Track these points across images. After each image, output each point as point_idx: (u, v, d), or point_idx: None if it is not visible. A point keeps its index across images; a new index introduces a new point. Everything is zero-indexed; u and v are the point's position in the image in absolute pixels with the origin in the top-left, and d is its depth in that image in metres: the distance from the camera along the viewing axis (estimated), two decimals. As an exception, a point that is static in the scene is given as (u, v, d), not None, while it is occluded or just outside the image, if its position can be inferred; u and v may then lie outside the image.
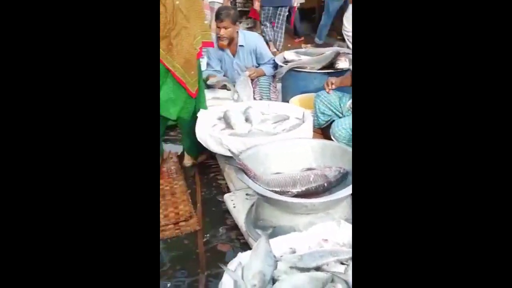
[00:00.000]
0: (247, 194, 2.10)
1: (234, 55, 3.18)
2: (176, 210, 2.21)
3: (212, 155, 2.65)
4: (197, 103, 2.52)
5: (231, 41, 3.09)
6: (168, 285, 1.76)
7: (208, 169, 2.66)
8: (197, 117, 2.48)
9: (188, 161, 2.70)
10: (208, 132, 2.24)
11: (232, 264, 1.42)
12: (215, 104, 2.83)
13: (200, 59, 2.58)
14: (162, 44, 2.27)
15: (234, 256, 1.50)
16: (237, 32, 3.10)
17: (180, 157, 2.78)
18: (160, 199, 2.31)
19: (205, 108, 2.60)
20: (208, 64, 3.16)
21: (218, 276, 1.74)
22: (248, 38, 3.16)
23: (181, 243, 2.00)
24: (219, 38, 3.06)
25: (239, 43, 3.11)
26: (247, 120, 2.35)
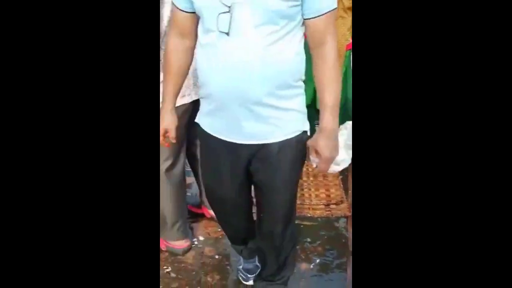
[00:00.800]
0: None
1: None
2: (327, 192, 2.07)
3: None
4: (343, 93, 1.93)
5: None
6: (317, 260, 2.14)
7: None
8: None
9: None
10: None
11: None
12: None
13: None
14: None
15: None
16: None
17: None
18: (312, 178, 2.09)
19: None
20: None
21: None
22: None
23: (332, 225, 2.15)
24: None
25: None
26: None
